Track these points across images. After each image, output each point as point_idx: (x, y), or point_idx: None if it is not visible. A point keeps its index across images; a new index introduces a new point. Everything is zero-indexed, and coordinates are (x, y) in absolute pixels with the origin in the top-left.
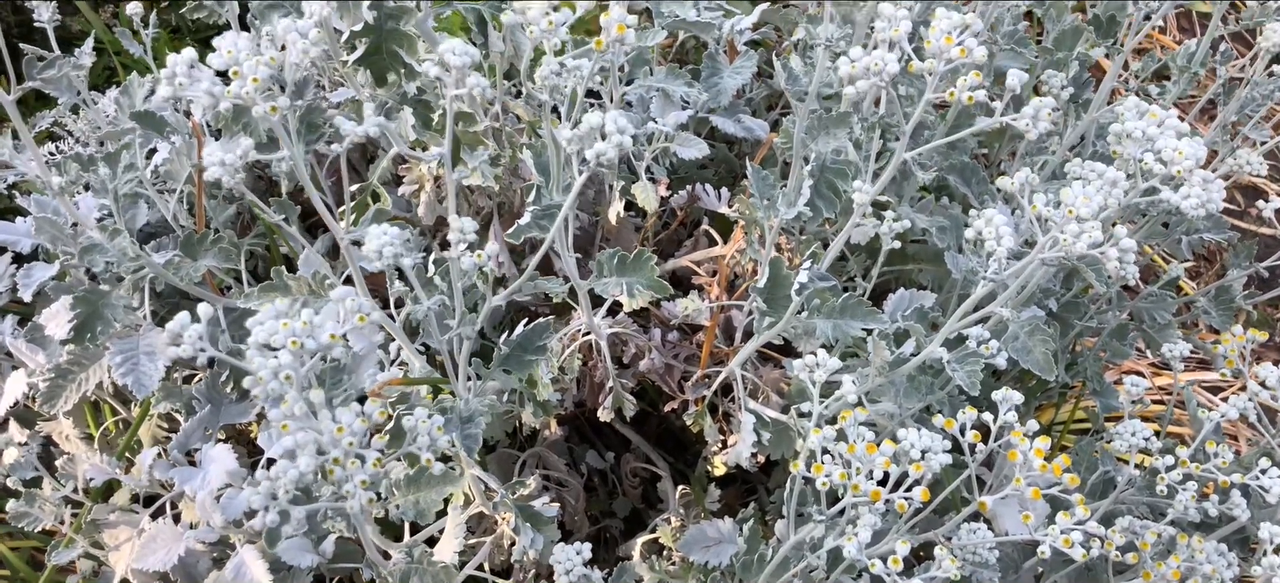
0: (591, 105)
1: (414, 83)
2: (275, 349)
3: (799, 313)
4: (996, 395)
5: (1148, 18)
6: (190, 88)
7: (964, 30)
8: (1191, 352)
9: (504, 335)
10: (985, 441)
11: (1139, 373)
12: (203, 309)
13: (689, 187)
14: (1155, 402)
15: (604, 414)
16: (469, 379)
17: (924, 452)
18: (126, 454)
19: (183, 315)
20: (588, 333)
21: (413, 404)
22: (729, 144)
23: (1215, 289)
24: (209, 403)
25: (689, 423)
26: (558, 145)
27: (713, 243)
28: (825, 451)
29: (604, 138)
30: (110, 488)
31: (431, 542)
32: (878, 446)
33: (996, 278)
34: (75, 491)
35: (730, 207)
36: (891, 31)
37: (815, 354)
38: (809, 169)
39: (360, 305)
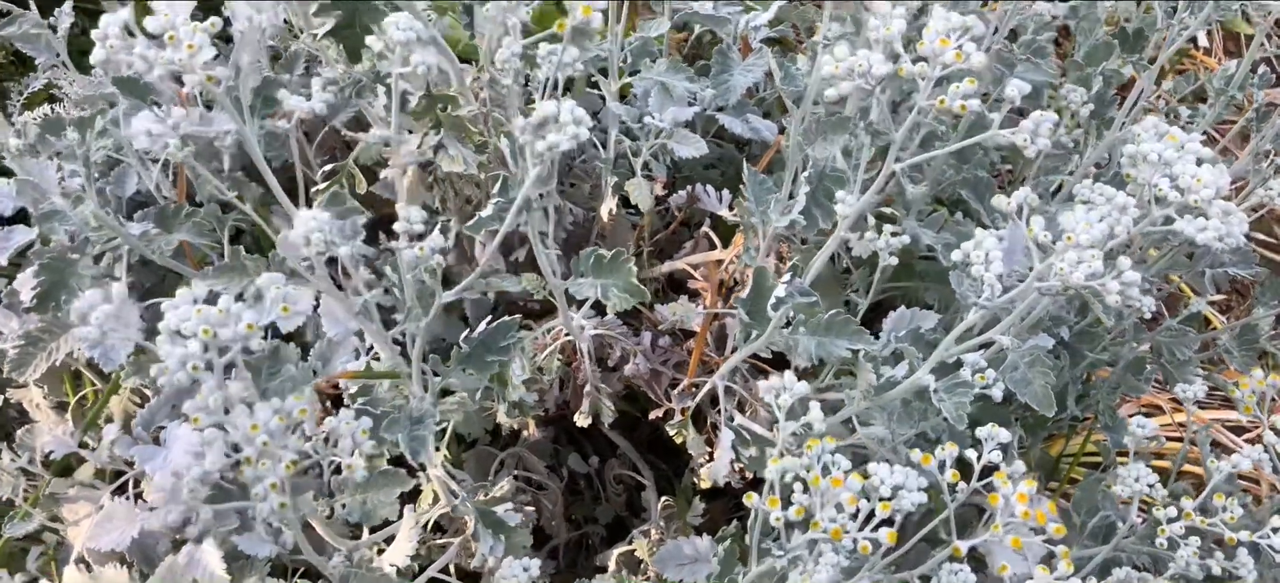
0: (599, 96)
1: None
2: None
3: (784, 327)
4: (982, 432)
5: (1182, 32)
6: (122, 53)
7: (964, 33)
8: (1216, 389)
9: (465, 332)
10: (966, 479)
11: (1159, 407)
12: (117, 290)
13: (689, 186)
14: (1172, 438)
15: (581, 419)
16: (425, 377)
17: (896, 489)
18: (97, 427)
19: (93, 293)
20: (569, 334)
21: (373, 398)
22: (738, 145)
23: (1240, 327)
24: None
25: (672, 433)
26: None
27: (713, 246)
28: (797, 478)
29: (558, 128)
30: (80, 461)
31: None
32: (844, 479)
33: (989, 304)
34: (31, 461)
35: (731, 210)
36: (884, 30)
37: (796, 370)
38: (806, 175)
39: (287, 294)
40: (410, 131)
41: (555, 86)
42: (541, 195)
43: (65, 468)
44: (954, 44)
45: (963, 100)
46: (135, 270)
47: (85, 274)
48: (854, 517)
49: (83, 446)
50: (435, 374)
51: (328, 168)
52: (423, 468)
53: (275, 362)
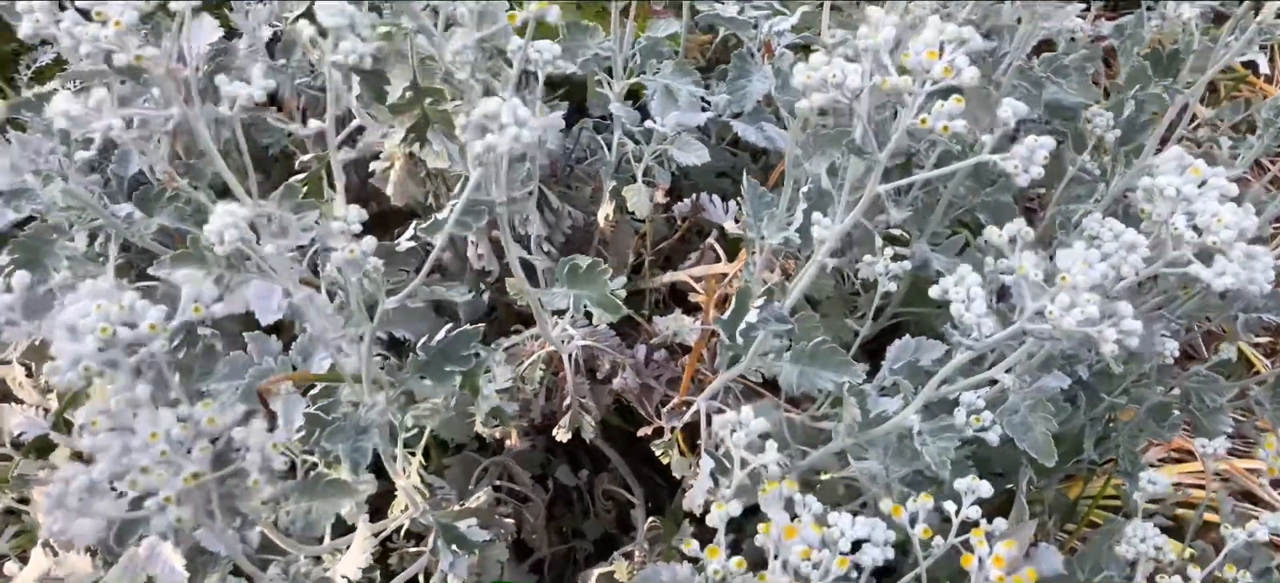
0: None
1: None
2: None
3: (765, 354)
4: (960, 485)
5: (1224, 56)
6: (49, 27)
7: (958, 46)
8: (1247, 438)
9: (422, 340)
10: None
11: (1190, 453)
12: (18, 279)
13: (695, 195)
14: (1201, 487)
15: (560, 434)
16: (377, 385)
17: (858, 543)
18: (76, 407)
19: None
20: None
21: (334, 401)
22: (754, 154)
23: (1275, 379)
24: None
25: (658, 453)
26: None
27: (719, 258)
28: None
29: (501, 129)
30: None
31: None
32: (798, 529)
33: (976, 345)
34: (2, 442)
35: (737, 221)
36: (871, 37)
37: (787, 398)
38: (805, 191)
39: (199, 294)
40: (392, 125)
41: (524, 82)
42: (516, 198)
43: (45, 448)
44: (945, 57)
45: (947, 121)
46: (134, 252)
47: (61, 253)
48: (817, 567)
49: (66, 427)
50: (392, 384)
51: (308, 157)
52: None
53: (209, 360)
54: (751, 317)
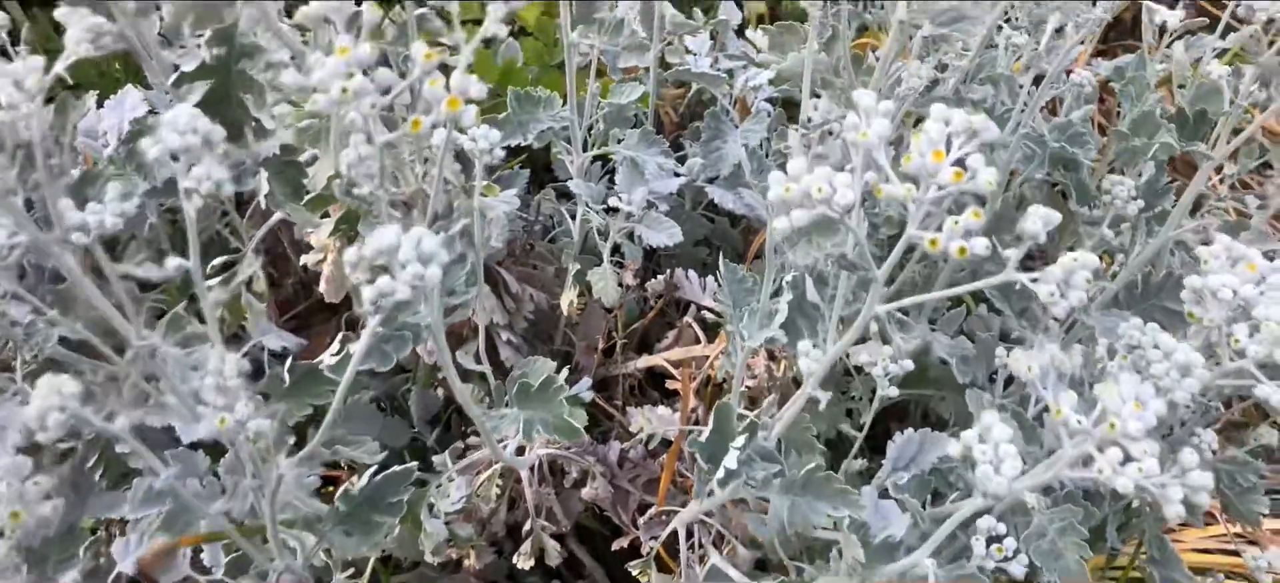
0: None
1: (270, 141)
2: None
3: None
4: None
5: (1248, 111)
6: None
7: (969, 138)
8: None
9: (346, 488)
10: None
11: (1212, 516)
12: None
13: (669, 271)
14: (1226, 551)
15: (522, 561)
16: (293, 535)
17: None
18: None
19: None
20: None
21: (242, 559)
22: (733, 220)
23: None
24: (73, 490)
25: (635, 573)
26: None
27: (698, 339)
28: None
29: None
30: None
31: None
32: None
33: (997, 495)
34: None
35: (717, 298)
36: (860, 133)
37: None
38: (788, 281)
39: (24, 492)
40: (325, 215)
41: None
42: (457, 306)
43: None
44: (954, 154)
45: (964, 241)
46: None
47: None
48: None
49: None
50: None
51: (219, 262)
52: None
53: (67, 545)
54: (731, 461)
